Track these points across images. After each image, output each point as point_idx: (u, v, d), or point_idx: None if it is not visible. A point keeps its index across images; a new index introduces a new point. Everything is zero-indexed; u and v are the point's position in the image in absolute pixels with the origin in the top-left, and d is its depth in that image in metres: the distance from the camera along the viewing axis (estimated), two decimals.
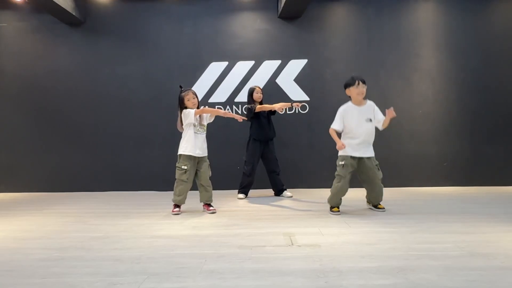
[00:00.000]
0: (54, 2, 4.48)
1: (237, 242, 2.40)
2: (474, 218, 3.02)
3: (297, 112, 5.19)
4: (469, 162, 5.12)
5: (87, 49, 5.29)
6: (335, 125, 3.37)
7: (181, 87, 3.58)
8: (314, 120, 5.17)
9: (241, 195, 4.39)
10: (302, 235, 2.55)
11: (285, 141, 5.04)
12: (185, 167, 3.38)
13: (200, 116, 3.49)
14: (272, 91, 5.10)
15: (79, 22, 5.20)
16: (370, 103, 3.39)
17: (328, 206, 3.51)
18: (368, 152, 3.34)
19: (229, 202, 4.12)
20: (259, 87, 4.45)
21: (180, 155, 3.43)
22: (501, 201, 3.86)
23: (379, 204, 3.46)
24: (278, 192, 4.47)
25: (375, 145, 5.03)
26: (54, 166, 5.26)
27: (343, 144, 3.27)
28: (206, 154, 3.53)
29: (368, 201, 3.56)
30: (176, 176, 3.43)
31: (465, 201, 3.92)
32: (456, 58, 5.20)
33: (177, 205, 3.49)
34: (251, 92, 4.39)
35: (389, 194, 4.50)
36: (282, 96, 5.15)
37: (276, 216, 3.27)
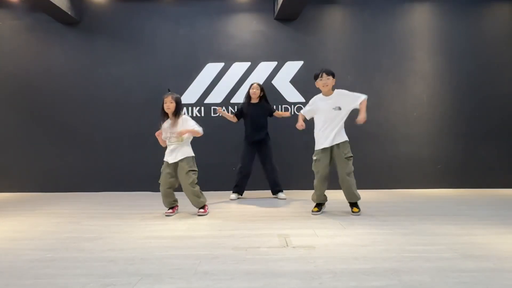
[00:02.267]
0: (49, 1, 4.44)
1: (232, 243, 2.40)
2: (467, 221, 3.05)
3: (292, 113, 5.20)
4: (463, 165, 5.16)
5: (82, 48, 5.25)
6: (303, 110, 3.59)
7: (168, 90, 3.54)
8: (309, 122, 5.16)
9: (233, 195, 4.38)
10: (296, 237, 2.55)
11: (280, 142, 5.04)
12: (162, 169, 3.47)
13: (175, 127, 3.43)
14: (268, 92, 5.09)
15: (74, 21, 5.17)
16: (337, 92, 3.42)
17: (325, 207, 3.52)
18: (338, 139, 3.32)
19: (224, 203, 4.11)
20: (257, 83, 4.43)
21: None
22: (494, 204, 3.89)
23: (354, 207, 3.38)
24: (273, 192, 4.48)
25: (369, 148, 5.11)
26: (47, 166, 5.21)
27: (302, 124, 3.45)
28: (180, 158, 3.38)
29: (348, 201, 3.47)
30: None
31: (458, 203, 3.95)
32: (451, 61, 5.24)
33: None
34: (248, 88, 4.42)
35: (384, 196, 4.53)
36: (278, 98, 5.16)
37: (270, 217, 3.27)
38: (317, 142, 3.41)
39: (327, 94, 3.42)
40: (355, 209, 3.37)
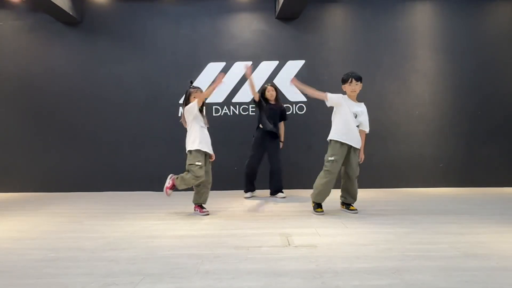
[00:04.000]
0: (51, 1, 4.46)
1: (233, 243, 2.40)
2: (469, 219, 3.04)
3: (294, 112, 5.20)
4: (464, 164, 5.15)
5: (84, 48, 5.27)
6: (330, 94, 3.37)
7: (191, 82, 3.52)
8: (311, 121, 5.18)
9: (248, 194, 4.44)
10: (298, 236, 2.55)
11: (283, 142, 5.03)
12: (200, 163, 3.25)
13: (202, 110, 3.43)
14: None
15: (76, 21, 5.18)
16: (362, 105, 3.45)
17: (327, 207, 3.52)
18: (357, 143, 3.38)
19: (226, 202, 4.11)
20: (271, 85, 4.42)
21: (191, 150, 3.29)
22: (496, 202, 3.88)
23: (352, 205, 3.47)
24: (274, 192, 4.47)
25: (371, 147, 5.09)
26: (49, 166, 5.23)
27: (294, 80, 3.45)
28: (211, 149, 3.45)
29: (346, 201, 3.50)
30: (193, 174, 3.24)
31: (460, 202, 3.94)
32: (453, 60, 5.22)
33: (200, 205, 3.43)
34: (263, 91, 4.39)
35: (385, 195, 4.52)
36: (279, 97, 5.15)
37: (272, 216, 3.27)
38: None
39: (353, 99, 3.42)
40: (352, 207, 3.45)
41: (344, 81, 3.42)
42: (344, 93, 3.47)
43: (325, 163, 3.35)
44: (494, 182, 5.09)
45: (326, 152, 3.43)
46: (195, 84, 3.40)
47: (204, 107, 3.50)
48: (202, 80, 5.20)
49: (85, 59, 5.26)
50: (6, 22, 5.30)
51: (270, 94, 4.37)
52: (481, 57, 5.21)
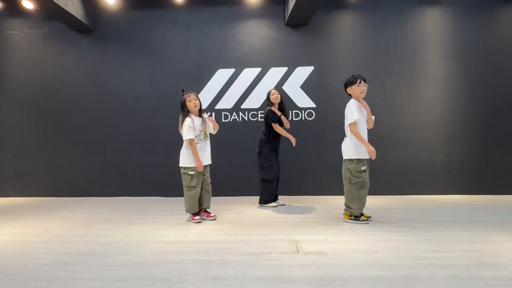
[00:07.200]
0: (64, 10, 4.57)
1: (242, 249, 2.39)
2: (482, 227, 2.98)
3: (303, 118, 5.20)
4: (477, 170, 5.06)
5: (96, 55, 5.37)
6: (356, 116, 3.15)
7: (183, 90, 3.53)
8: (320, 127, 5.17)
9: (275, 203, 4.22)
10: (307, 242, 2.53)
11: (291, 148, 5.03)
12: (192, 172, 3.36)
13: (204, 124, 3.47)
14: None
15: (88, 29, 5.29)
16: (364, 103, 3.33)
17: (337, 214, 3.49)
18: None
19: (234, 208, 4.11)
20: (275, 89, 4.26)
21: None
22: (510, 210, 3.80)
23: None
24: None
25: (381, 153, 5.04)
26: (61, 171, 5.31)
27: (373, 150, 3.13)
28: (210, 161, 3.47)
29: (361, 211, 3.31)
30: (185, 183, 3.40)
31: (473, 209, 3.87)
32: (464, 65, 5.17)
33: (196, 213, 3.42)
34: (268, 95, 4.23)
35: (396, 202, 4.47)
36: (288, 103, 5.16)
37: (281, 223, 3.26)
38: (359, 151, 3.19)
39: (360, 101, 3.30)
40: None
41: (352, 83, 3.24)
42: (349, 96, 3.34)
43: (355, 174, 3.20)
44: (507, 190, 4.99)
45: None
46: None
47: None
48: (212, 87, 5.25)
49: (97, 66, 5.36)
50: (21, 31, 5.45)
51: (275, 97, 4.16)
52: (492, 62, 5.14)
